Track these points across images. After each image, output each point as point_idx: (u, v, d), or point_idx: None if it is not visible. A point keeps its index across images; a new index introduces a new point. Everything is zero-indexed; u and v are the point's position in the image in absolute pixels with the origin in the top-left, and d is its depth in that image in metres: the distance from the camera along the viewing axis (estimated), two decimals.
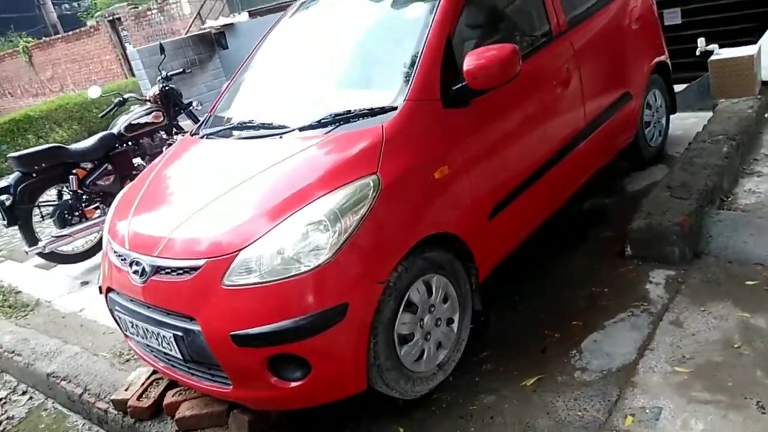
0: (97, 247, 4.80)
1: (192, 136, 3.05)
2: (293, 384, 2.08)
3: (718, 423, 1.97)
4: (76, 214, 4.61)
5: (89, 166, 4.66)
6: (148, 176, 2.84)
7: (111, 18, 13.99)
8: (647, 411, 2.08)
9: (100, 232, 4.76)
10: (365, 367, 2.13)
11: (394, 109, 2.33)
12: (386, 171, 2.16)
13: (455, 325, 2.46)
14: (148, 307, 2.31)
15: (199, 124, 3.16)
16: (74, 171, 4.56)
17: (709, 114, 4.17)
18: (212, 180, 2.50)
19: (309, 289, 2.01)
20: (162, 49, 5.36)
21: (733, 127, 3.75)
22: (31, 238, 4.45)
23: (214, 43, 10.82)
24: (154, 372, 2.86)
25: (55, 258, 4.62)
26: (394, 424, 2.31)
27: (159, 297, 2.24)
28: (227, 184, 2.35)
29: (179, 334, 2.17)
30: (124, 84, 12.50)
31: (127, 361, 3.24)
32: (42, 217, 4.68)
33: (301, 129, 2.48)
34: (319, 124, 2.44)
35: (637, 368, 2.29)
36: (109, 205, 4.65)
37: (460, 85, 2.39)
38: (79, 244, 4.76)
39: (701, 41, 4.48)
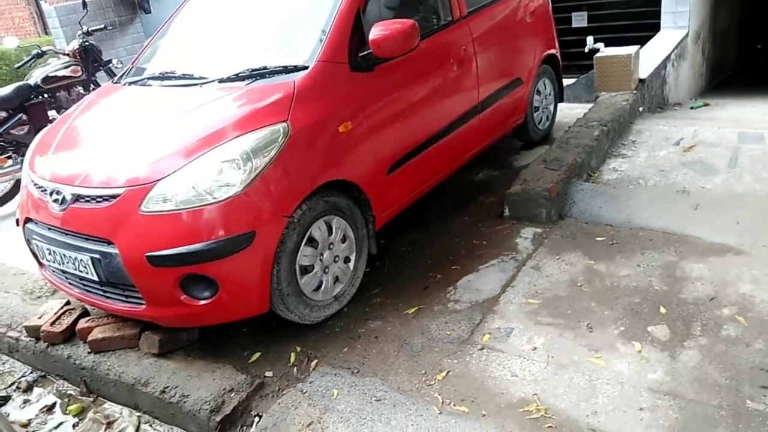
0: (7, 195, 4.79)
1: (114, 83, 3.22)
2: (202, 302, 2.36)
3: (555, 338, 2.44)
4: None
5: (3, 115, 4.64)
6: (69, 117, 2.99)
7: None
8: (501, 330, 2.53)
9: (12, 181, 4.76)
10: (268, 290, 2.44)
11: (306, 68, 2.64)
12: (295, 120, 2.47)
13: (351, 264, 2.81)
14: (67, 234, 2.50)
15: (121, 73, 3.32)
16: None
17: (592, 105, 4.75)
18: (132, 122, 2.71)
19: (220, 218, 2.28)
20: (84, 4, 5.36)
21: (607, 115, 4.33)
22: None
23: (136, 6, 10.57)
24: (67, 303, 3.04)
25: None
26: (292, 344, 2.63)
27: (78, 223, 2.44)
28: (147, 125, 2.58)
29: (96, 257, 2.39)
30: (38, 42, 11.93)
31: (39, 297, 3.36)
32: None
33: (221, 81, 2.73)
34: (237, 77, 2.71)
35: (499, 300, 2.73)
36: (22, 155, 4.69)
37: (365, 52, 2.73)
38: None
39: (590, 39, 5.06)
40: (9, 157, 4.73)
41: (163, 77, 2.97)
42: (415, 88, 3.08)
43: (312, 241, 2.58)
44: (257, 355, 2.60)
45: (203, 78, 2.79)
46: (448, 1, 3.41)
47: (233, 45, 3.05)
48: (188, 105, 2.64)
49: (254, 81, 2.67)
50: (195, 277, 2.33)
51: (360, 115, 2.73)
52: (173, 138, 2.48)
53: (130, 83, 3.07)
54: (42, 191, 2.61)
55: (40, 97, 4.89)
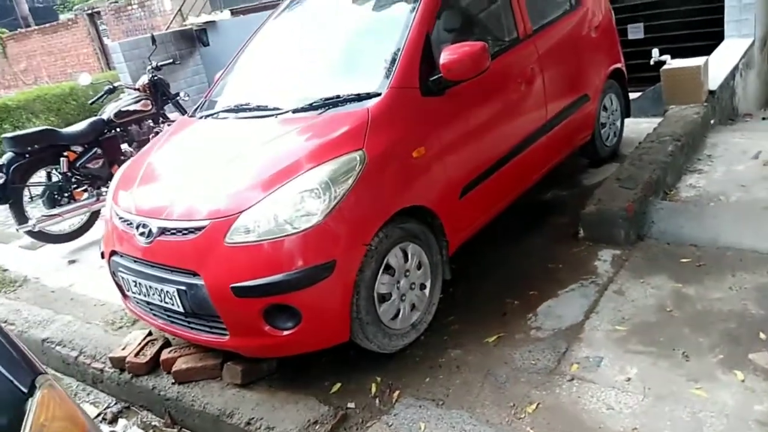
0: (83, 228, 4.99)
1: (190, 117, 3.32)
2: (285, 333, 2.36)
3: (649, 368, 2.32)
4: (66, 195, 4.79)
5: (79, 149, 4.85)
6: (150, 152, 3.10)
7: (90, 11, 14.00)
8: (590, 359, 2.43)
9: (87, 214, 4.96)
10: (348, 319, 2.43)
11: (379, 95, 2.64)
12: (370, 147, 2.47)
13: (427, 290, 2.77)
14: (153, 266, 2.56)
15: (195, 107, 3.42)
16: (65, 153, 4.74)
17: (661, 119, 4.60)
18: (212, 154, 2.77)
19: (301, 247, 2.30)
20: (153, 39, 5.58)
21: (680, 129, 4.17)
22: (21, 217, 4.61)
23: (195, 39, 10.97)
24: (149, 334, 3.11)
25: (42, 237, 4.78)
26: (372, 374, 2.60)
27: (164, 255, 2.50)
28: (227, 157, 2.64)
29: (182, 288, 2.43)
30: (102, 77, 12.56)
31: (120, 327, 3.45)
32: (31, 197, 4.85)
33: (294, 111, 2.77)
34: (311, 107, 2.74)
35: (583, 327, 2.63)
36: (97, 188, 4.89)
37: (436, 76, 2.72)
38: (66, 225, 4.94)
39: (655, 51, 4.92)
40: (85, 191, 4.93)
41: (237, 110, 3.04)
42: (485, 110, 3.04)
43: (389, 269, 2.56)
44: (338, 385, 2.58)
45: (277, 109, 2.84)
46: (513, 19, 3.38)
47: (304, 75, 3.10)
48: (265, 136, 2.69)
49: (327, 110, 2.70)
50: (278, 308, 2.35)
51: (432, 139, 2.72)
52: (253, 170, 2.52)
53: (206, 116, 3.16)
54: (128, 224, 2.69)
55: (113, 131, 5.09)
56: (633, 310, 2.69)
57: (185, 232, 2.43)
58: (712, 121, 4.72)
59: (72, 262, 4.69)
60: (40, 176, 4.87)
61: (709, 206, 3.38)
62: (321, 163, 2.39)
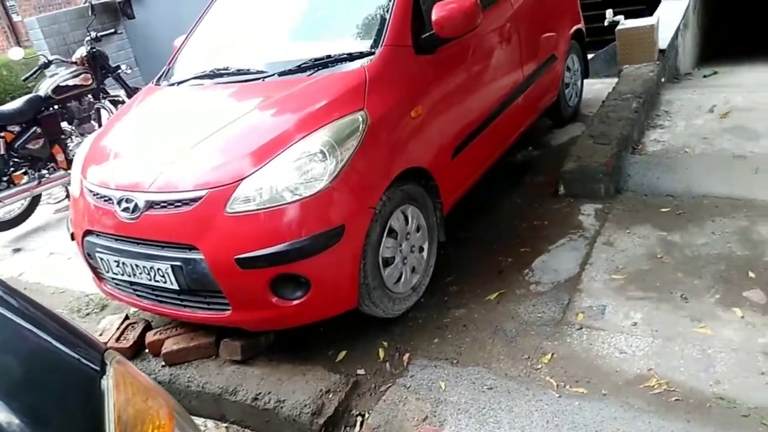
0: (24, 214, 4.62)
1: (155, 85, 3.09)
2: (294, 302, 2.27)
3: (653, 312, 2.40)
4: (4, 179, 4.40)
5: (17, 129, 4.45)
6: (117, 124, 2.86)
7: None
8: (594, 308, 2.49)
9: (28, 199, 4.59)
10: (357, 285, 2.36)
11: (372, 53, 2.55)
12: (372, 107, 2.39)
13: (425, 253, 2.74)
14: (139, 243, 2.38)
15: (159, 75, 3.19)
16: (1, 134, 4.34)
17: (614, 80, 4.72)
18: (197, 122, 2.59)
19: (309, 213, 2.20)
20: (93, 8, 5.20)
21: (639, 87, 4.30)
22: None
23: (119, 12, 10.29)
24: (126, 317, 2.92)
25: None
26: (377, 339, 2.55)
27: (154, 231, 2.33)
28: (215, 124, 2.46)
29: (178, 264, 2.28)
30: (31, 53, 11.51)
31: (88, 314, 3.23)
32: None
33: (281, 74, 2.63)
34: (299, 69, 2.61)
35: (581, 278, 2.69)
36: (38, 170, 4.52)
37: (428, 33, 2.65)
38: (6, 211, 4.55)
39: (609, 12, 5.02)
40: (24, 173, 4.54)
41: (214, 75, 2.85)
42: (472, 69, 3.02)
43: (391, 233, 2.50)
44: (343, 353, 2.51)
45: (261, 72, 2.68)
46: None
47: (285, 36, 2.95)
48: (254, 101, 2.54)
49: (317, 71, 2.58)
50: (285, 278, 2.24)
51: (427, 99, 2.66)
52: (249, 136, 2.37)
53: (178, 83, 2.94)
54: (106, 200, 2.48)
55: (52, 108, 4.70)
56: (625, 259, 2.77)
57: (178, 204, 2.27)
58: (663, 79, 4.91)
59: (17, 250, 4.34)
60: None
61: (679, 158, 3.51)
62: (323, 125, 2.28)
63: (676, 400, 1.99)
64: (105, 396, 0.96)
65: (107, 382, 1.00)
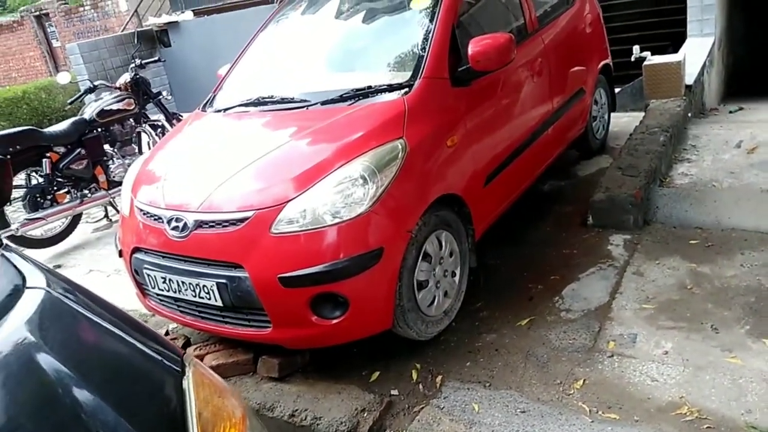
0: (65, 231, 4.80)
1: (201, 111, 3.25)
2: (333, 321, 2.35)
3: (683, 341, 2.44)
4: (48, 198, 4.59)
5: (62, 150, 4.66)
6: (165, 146, 3.02)
7: (38, 13, 13.42)
8: (625, 336, 2.53)
9: (70, 218, 4.77)
10: (393, 307, 2.44)
11: (411, 85, 2.67)
12: (410, 136, 2.50)
13: (457, 278, 2.81)
14: (187, 260, 2.50)
15: (204, 102, 3.35)
16: (47, 155, 4.55)
17: (640, 114, 4.80)
18: (243, 147, 2.72)
19: (349, 235, 2.30)
20: (138, 37, 5.44)
21: (666, 121, 4.37)
22: (2, 222, 4.39)
23: (156, 40, 10.69)
24: (167, 333, 3.03)
25: (25, 242, 4.55)
26: (410, 361, 2.62)
27: (202, 249, 2.44)
28: (261, 149, 2.60)
29: (223, 281, 2.38)
30: (50, 82, 12.00)
31: None
32: (9, 201, 4.61)
33: (323, 103, 2.77)
34: (341, 98, 2.74)
35: (612, 307, 2.74)
36: (80, 190, 4.71)
37: (464, 67, 2.78)
38: (48, 229, 4.73)
39: (636, 48, 5.13)
40: (67, 193, 4.74)
41: (259, 103, 3.00)
42: (504, 100, 3.13)
43: (426, 257, 2.58)
44: (376, 374, 2.58)
45: (305, 101, 2.82)
46: (523, 14, 3.48)
47: (327, 67, 3.09)
48: (298, 128, 2.67)
49: (357, 101, 2.71)
50: (324, 297, 2.33)
51: (462, 129, 2.77)
52: (293, 160, 2.50)
53: (224, 110, 3.10)
54: (155, 219, 2.61)
55: (96, 131, 4.91)
56: (655, 289, 2.81)
57: (226, 224, 2.39)
58: (690, 114, 4.97)
59: (57, 267, 4.49)
60: (19, 179, 4.66)
61: (707, 191, 3.56)
62: (364, 152, 2.40)
63: (707, 427, 2.02)
64: (186, 394, 1.06)
65: (188, 382, 1.09)
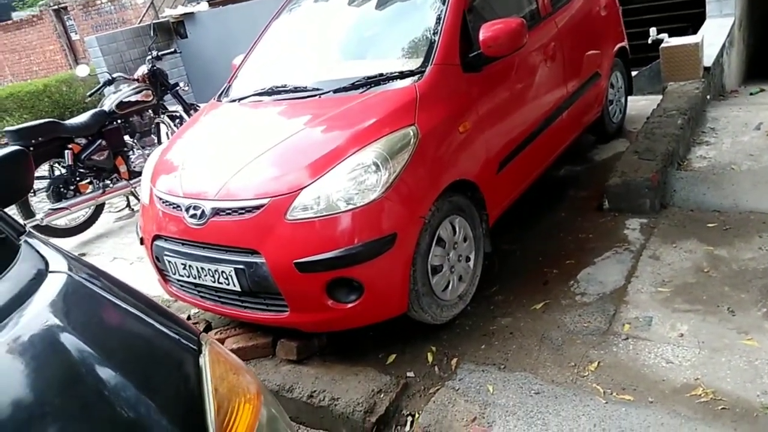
0: (89, 221, 4.91)
1: (217, 101, 3.29)
2: (348, 306, 2.39)
3: (699, 324, 2.44)
4: (71, 188, 4.70)
5: (83, 141, 4.76)
6: (182, 136, 3.07)
7: (57, 7, 13.58)
8: (640, 319, 2.53)
9: (92, 207, 4.88)
10: (407, 291, 2.47)
11: (422, 72, 2.68)
12: (422, 123, 2.52)
13: (471, 263, 2.83)
14: (206, 247, 2.55)
15: (220, 91, 3.40)
16: (69, 146, 4.64)
17: (658, 97, 4.74)
18: (257, 135, 2.77)
19: (363, 221, 2.33)
20: (155, 29, 5.53)
21: (684, 104, 4.32)
22: (28, 212, 4.51)
23: (172, 32, 10.77)
24: (189, 318, 3.10)
25: (49, 232, 4.67)
26: (426, 344, 2.65)
27: (220, 236, 2.49)
28: (275, 137, 2.63)
29: (240, 267, 2.43)
30: (70, 75, 12.16)
31: None
32: (34, 192, 4.73)
33: (336, 91, 2.79)
34: (353, 86, 2.76)
35: (627, 290, 2.74)
36: (102, 180, 4.80)
37: (475, 52, 2.78)
38: (71, 219, 4.85)
39: (653, 30, 5.06)
40: (90, 183, 4.84)
41: (272, 92, 3.03)
42: (517, 86, 3.12)
43: (440, 242, 2.61)
44: (393, 357, 2.62)
45: (317, 89, 2.85)
46: None
47: (339, 56, 3.11)
48: (312, 116, 2.70)
49: (369, 88, 2.73)
50: (340, 282, 2.37)
51: (474, 115, 2.77)
52: (306, 148, 2.53)
53: (239, 99, 3.14)
54: (174, 207, 2.67)
55: (116, 122, 5.00)
56: (671, 272, 2.80)
57: (243, 211, 2.43)
58: (708, 96, 4.90)
59: (82, 255, 4.60)
60: (43, 170, 4.77)
61: (726, 174, 3.52)
62: (376, 138, 2.42)
63: (722, 408, 2.02)
64: (203, 371, 1.11)
65: (204, 360, 1.14)
